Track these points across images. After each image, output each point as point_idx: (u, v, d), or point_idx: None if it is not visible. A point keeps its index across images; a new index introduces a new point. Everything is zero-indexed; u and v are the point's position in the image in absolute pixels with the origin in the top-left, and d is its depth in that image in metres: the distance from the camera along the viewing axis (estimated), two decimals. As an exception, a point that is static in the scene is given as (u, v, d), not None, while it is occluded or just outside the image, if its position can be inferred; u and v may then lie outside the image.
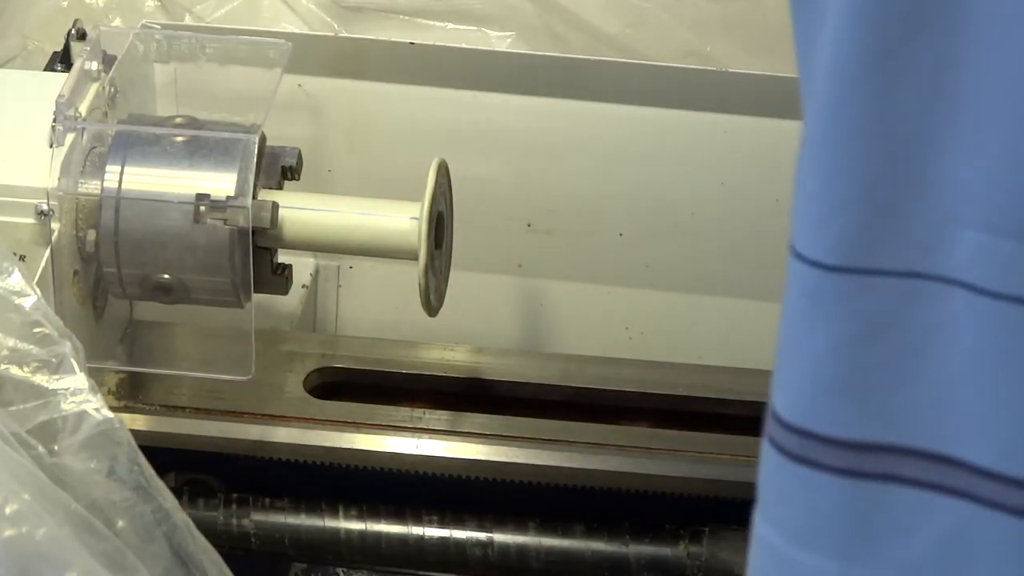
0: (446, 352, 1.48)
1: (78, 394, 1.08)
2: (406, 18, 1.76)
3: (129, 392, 1.39)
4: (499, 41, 1.75)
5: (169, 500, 1.10)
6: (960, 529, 0.72)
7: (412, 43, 1.57)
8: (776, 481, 0.75)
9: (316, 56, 1.56)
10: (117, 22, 1.75)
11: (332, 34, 1.68)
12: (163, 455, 1.24)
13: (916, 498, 0.72)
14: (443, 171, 1.32)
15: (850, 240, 0.71)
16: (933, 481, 0.72)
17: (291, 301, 1.59)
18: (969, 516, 0.71)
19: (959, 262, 0.69)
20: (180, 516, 1.11)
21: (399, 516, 1.38)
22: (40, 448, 1.06)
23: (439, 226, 1.31)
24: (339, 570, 1.53)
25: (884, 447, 0.72)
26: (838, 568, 0.74)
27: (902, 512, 0.73)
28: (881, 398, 0.72)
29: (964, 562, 0.72)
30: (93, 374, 1.12)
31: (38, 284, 1.15)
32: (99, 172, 1.29)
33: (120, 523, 1.08)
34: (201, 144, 1.29)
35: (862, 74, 0.69)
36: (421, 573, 1.43)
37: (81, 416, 1.08)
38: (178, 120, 1.33)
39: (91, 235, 1.29)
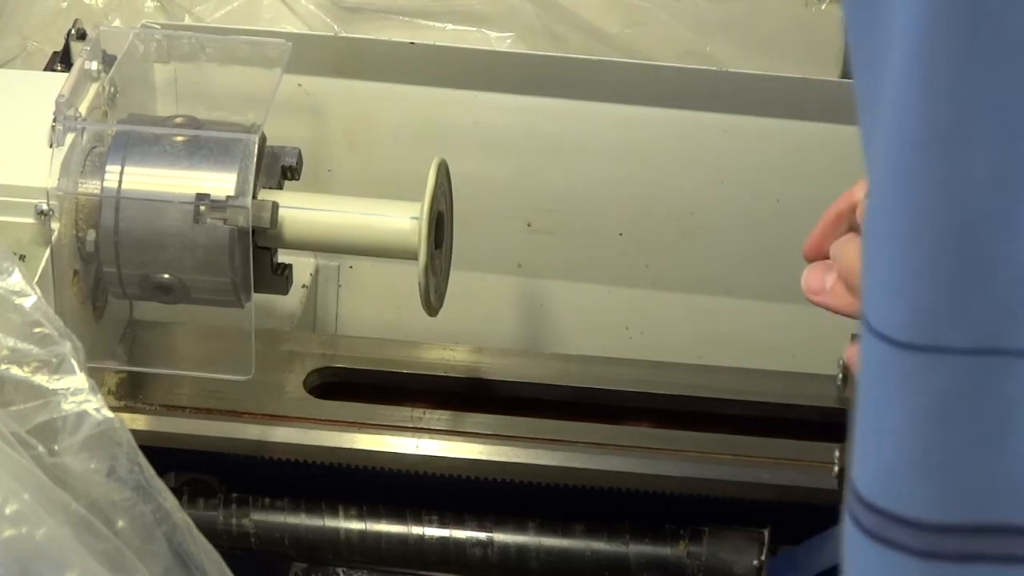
0: (446, 352, 1.48)
1: (78, 394, 1.09)
2: (406, 18, 1.76)
3: (129, 392, 1.39)
4: (499, 41, 1.75)
5: (169, 500, 1.10)
6: None
7: (412, 43, 1.57)
8: (856, 555, 0.72)
9: (316, 56, 1.56)
10: (117, 22, 1.75)
11: (332, 34, 1.68)
12: (163, 455, 1.24)
13: (1004, 573, 0.69)
14: (443, 171, 1.32)
15: (916, 318, 0.67)
16: (1021, 555, 0.69)
17: (291, 301, 1.59)
18: None
19: None
20: (180, 516, 1.11)
21: (399, 516, 1.38)
22: (40, 448, 1.06)
23: (439, 226, 1.31)
24: (339, 570, 1.53)
25: (966, 527, 0.69)
26: None
27: None
28: (960, 478, 0.68)
29: None
30: (93, 374, 1.12)
31: (38, 284, 1.15)
32: (99, 172, 1.29)
33: (120, 523, 1.08)
34: (201, 144, 1.29)
35: (931, 146, 0.65)
36: (421, 573, 1.43)
37: (81, 416, 1.08)
38: (178, 120, 1.32)
39: (91, 235, 1.28)
